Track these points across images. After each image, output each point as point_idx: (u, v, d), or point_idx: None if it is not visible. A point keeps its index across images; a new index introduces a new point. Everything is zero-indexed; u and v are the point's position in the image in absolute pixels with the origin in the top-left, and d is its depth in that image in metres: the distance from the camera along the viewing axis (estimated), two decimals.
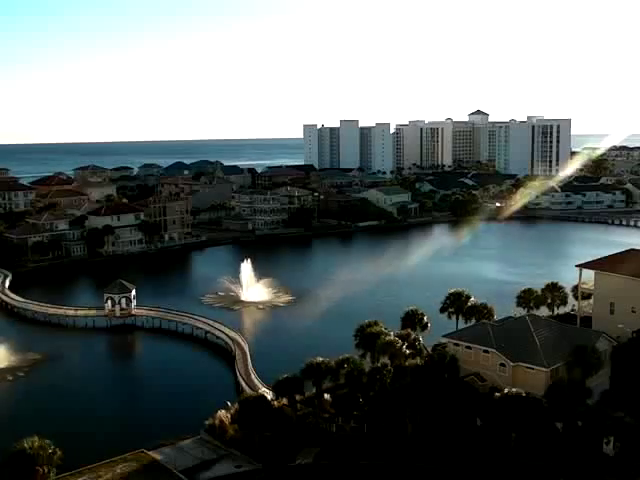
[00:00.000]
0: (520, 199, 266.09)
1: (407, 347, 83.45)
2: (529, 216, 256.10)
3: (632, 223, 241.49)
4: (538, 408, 68.32)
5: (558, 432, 68.22)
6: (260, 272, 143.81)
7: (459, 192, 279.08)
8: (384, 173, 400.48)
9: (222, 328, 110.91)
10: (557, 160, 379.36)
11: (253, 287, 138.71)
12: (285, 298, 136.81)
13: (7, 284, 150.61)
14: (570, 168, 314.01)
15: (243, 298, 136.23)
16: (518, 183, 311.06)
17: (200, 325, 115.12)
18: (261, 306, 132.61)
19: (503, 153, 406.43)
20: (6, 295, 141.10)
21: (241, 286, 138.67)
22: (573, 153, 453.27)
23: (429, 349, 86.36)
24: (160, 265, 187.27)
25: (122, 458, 65.96)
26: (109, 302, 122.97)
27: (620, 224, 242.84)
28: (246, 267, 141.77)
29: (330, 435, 72.35)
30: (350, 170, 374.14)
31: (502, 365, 76.00)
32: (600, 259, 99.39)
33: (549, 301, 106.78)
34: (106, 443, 72.27)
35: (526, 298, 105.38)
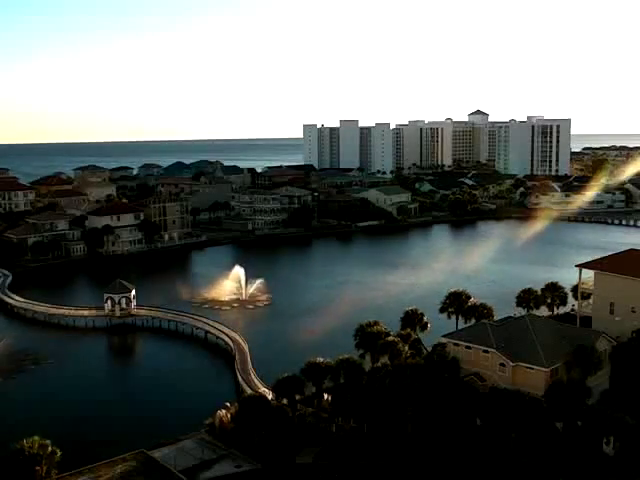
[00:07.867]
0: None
1: (407, 347, 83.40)
2: (529, 216, 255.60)
3: (632, 223, 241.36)
4: (538, 408, 68.29)
5: (558, 432, 68.19)
6: (260, 272, 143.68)
7: (459, 192, 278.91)
8: (384, 173, 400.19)
9: (222, 328, 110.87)
10: (557, 160, 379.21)
11: (252, 287, 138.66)
12: (284, 297, 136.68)
13: (7, 284, 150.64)
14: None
15: (243, 297, 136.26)
16: (518, 183, 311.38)
17: (200, 325, 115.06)
18: (260, 305, 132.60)
19: (503, 153, 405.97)
20: (6, 295, 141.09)
21: (240, 285, 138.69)
22: (576, 153, 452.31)
23: (429, 349, 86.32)
24: (160, 265, 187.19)
25: (122, 458, 65.69)
26: (109, 302, 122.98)
27: (620, 224, 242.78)
28: (245, 267, 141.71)
29: (330, 435, 72.31)
30: (350, 170, 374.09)
31: (502, 365, 75.96)
32: (600, 259, 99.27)
33: (549, 301, 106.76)
34: (106, 443, 72.26)
35: (526, 298, 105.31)
